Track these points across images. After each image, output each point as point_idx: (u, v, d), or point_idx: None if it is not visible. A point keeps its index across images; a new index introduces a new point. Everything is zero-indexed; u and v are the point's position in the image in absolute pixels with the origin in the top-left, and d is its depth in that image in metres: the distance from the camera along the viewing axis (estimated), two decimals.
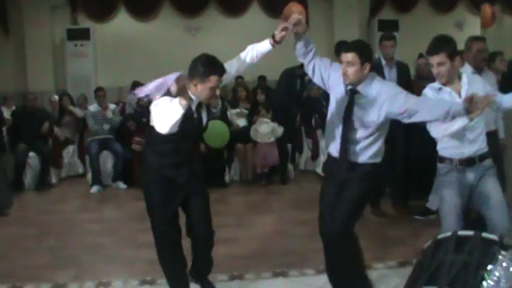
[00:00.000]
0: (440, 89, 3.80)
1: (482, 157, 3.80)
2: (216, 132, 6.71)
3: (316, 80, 3.90)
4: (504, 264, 2.29)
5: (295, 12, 3.83)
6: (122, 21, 12.72)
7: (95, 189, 8.24)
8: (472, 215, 4.48)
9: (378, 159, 3.79)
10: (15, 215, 6.85)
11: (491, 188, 3.77)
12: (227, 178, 8.34)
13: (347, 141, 3.70)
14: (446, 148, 3.84)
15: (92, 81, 12.17)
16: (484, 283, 2.27)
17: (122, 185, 8.40)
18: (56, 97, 9.84)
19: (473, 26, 13.00)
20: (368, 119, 3.64)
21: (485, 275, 2.28)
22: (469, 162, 3.78)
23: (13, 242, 5.86)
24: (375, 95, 3.62)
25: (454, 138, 3.74)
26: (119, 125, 8.84)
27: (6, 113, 9.26)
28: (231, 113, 8.85)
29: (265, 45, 3.84)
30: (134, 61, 12.42)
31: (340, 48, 5.63)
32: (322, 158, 8.37)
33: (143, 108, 8.64)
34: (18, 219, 6.75)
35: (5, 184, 7.05)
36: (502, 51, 6.27)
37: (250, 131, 8.35)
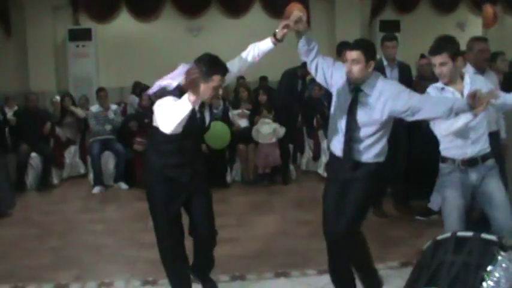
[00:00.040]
0: (443, 88, 3.80)
1: (484, 157, 3.80)
2: (217, 133, 6.71)
3: (319, 78, 3.90)
4: (504, 264, 2.30)
5: (296, 11, 3.83)
6: (124, 22, 12.73)
7: (96, 189, 8.25)
8: (475, 214, 4.48)
9: (382, 158, 3.79)
10: (17, 216, 6.86)
11: (495, 188, 3.77)
12: (229, 178, 8.34)
13: (350, 139, 3.70)
14: (449, 148, 3.84)
15: (93, 82, 12.18)
16: (484, 284, 2.28)
17: (123, 185, 8.40)
18: (58, 98, 9.85)
19: (474, 26, 12.99)
20: (371, 117, 3.64)
21: (485, 275, 2.28)
22: (471, 163, 3.78)
23: (15, 242, 5.87)
24: (378, 93, 3.62)
25: (457, 137, 3.74)
26: (120, 125, 8.85)
27: (9, 114, 9.27)
28: (233, 113, 8.86)
29: (266, 44, 3.84)
30: (136, 61, 12.43)
31: (342, 48, 5.66)
32: (324, 159, 8.37)
33: (145, 109, 8.66)
34: (20, 219, 6.76)
35: (8, 184, 7.05)
36: (503, 51, 6.28)
37: (251, 131, 8.35)
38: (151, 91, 3.55)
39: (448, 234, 2.57)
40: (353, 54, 3.60)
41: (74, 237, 6.06)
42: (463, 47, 4.40)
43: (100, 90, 9.15)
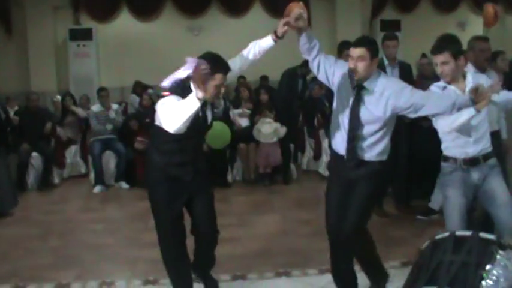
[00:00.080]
0: (445, 87, 3.80)
1: (486, 156, 3.80)
2: (217, 133, 6.70)
3: (321, 77, 3.90)
4: (502, 263, 2.30)
5: (296, 8, 3.82)
6: (124, 21, 12.73)
7: (97, 189, 8.26)
8: (477, 214, 4.48)
9: (385, 157, 3.79)
10: (17, 215, 6.86)
11: (497, 186, 3.77)
12: (229, 178, 8.33)
13: (354, 137, 3.70)
14: (451, 147, 3.84)
15: (94, 81, 12.18)
16: (483, 282, 2.28)
17: (124, 185, 8.41)
18: (59, 97, 9.84)
19: (475, 25, 12.97)
20: (374, 114, 3.64)
21: (484, 274, 2.28)
22: (473, 162, 3.78)
23: (16, 242, 5.88)
24: (380, 90, 3.63)
25: (460, 134, 3.73)
26: (121, 125, 8.85)
27: (10, 113, 9.26)
28: (234, 113, 8.86)
29: (267, 41, 3.85)
30: (136, 61, 12.43)
31: (343, 47, 5.66)
32: (325, 158, 8.38)
33: (145, 108, 8.67)
34: (20, 219, 6.76)
35: (10, 184, 7.04)
36: (503, 50, 6.27)
37: (252, 131, 8.35)
38: (165, 84, 3.53)
39: (446, 234, 2.58)
40: (358, 51, 3.60)
41: (75, 236, 6.06)
42: (463, 46, 4.40)
43: (101, 89, 9.16)
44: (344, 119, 3.75)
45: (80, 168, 9.29)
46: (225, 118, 8.23)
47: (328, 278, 4.15)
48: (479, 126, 3.77)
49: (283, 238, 5.72)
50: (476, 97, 3.37)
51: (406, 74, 6.07)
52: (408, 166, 6.30)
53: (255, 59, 3.88)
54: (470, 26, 13.34)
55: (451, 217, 3.76)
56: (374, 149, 3.73)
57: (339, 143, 3.82)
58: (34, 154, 8.44)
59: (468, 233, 2.52)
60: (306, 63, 8.56)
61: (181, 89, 3.52)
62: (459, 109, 3.45)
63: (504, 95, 3.77)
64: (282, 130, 8.29)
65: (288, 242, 5.57)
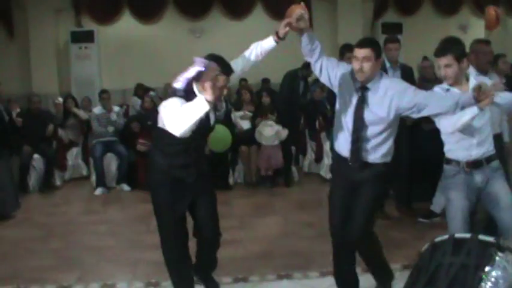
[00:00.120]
0: (448, 90, 3.80)
1: (489, 159, 3.80)
2: (218, 136, 6.71)
3: (323, 79, 3.90)
4: (501, 265, 2.31)
5: (298, 9, 3.83)
6: (126, 24, 12.74)
7: (99, 191, 8.26)
8: (480, 217, 4.47)
9: (389, 159, 3.81)
10: (19, 217, 6.87)
11: (500, 189, 3.77)
12: (231, 180, 8.33)
13: (358, 139, 3.70)
14: (454, 150, 3.83)
15: (96, 84, 12.18)
16: (483, 284, 2.29)
17: (126, 187, 8.41)
18: (60, 99, 9.83)
19: (477, 28, 13.00)
20: (378, 115, 3.65)
21: (483, 276, 2.29)
22: (476, 165, 3.77)
23: (17, 243, 5.88)
24: (384, 91, 3.64)
25: (463, 135, 3.72)
26: (123, 127, 8.86)
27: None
28: (235, 115, 8.86)
29: (269, 42, 3.86)
30: (138, 63, 12.44)
31: (345, 50, 5.66)
32: (326, 161, 8.37)
33: (147, 111, 8.67)
34: (22, 221, 6.77)
35: (12, 186, 7.04)
36: (505, 53, 6.28)
37: (254, 133, 8.35)
38: (178, 85, 3.53)
39: (446, 236, 2.58)
40: (363, 52, 3.62)
41: (76, 238, 6.06)
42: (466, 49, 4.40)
43: (103, 92, 9.17)
44: (347, 121, 3.75)
45: (81, 171, 9.30)
46: (227, 120, 8.23)
47: (330, 280, 4.15)
48: (483, 129, 3.76)
49: (285, 240, 5.72)
50: (479, 95, 3.37)
51: (407, 77, 6.06)
52: (410, 168, 6.30)
53: (256, 60, 3.89)
54: (472, 29, 13.33)
55: (453, 220, 3.75)
56: (378, 150, 3.74)
57: (342, 144, 3.82)
58: (36, 156, 8.44)
59: (467, 235, 2.53)
60: (306, 65, 8.58)
61: (184, 91, 3.53)
62: (462, 108, 3.46)
63: (507, 97, 3.77)
64: (284, 133, 8.29)
65: (289, 245, 5.57)
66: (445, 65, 3.72)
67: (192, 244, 3.99)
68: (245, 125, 8.69)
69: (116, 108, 9.08)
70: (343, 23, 12.72)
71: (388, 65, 5.96)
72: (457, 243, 2.47)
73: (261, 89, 10.68)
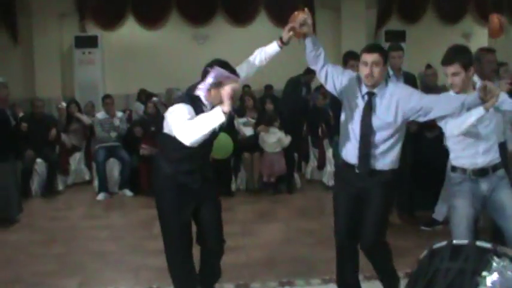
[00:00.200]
0: None
1: (495, 167, 3.80)
2: (219, 143, 6.71)
3: (329, 87, 3.90)
4: (498, 270, 2.31)
5: (301, 14, 3.84)
6: (130, 29, 12.80)
7: (101, 196, 8.26)
8: (486, 225, 4.47)
9: (397, 165, 3.81)
10: (21, 222, 6.87)
11: (506, 198, 3.76)
12: (233, 187, 8.33)
13: (366, 145, 3.70)
14: (460, 157, 3.83)
15: (99, 89, 12.23)
16: None
17: (128, 192, 8.41)
18: (64, 104, 9.89)
19: (480, 36, 13.00)
20: (385, 120, 3.66)
21: (480, 281, 2.29)
22: (482, 173, 3.77)
23: (19, 248, 5.89)
24: (390, 96, 3.66)
25: (469, 138, 3.72)
26: (126, 132, 8.87)
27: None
28: (238, 122, 8.87)
29: (273, 47, 3.88)
30: (142, 69, 12.49)
31: (349, 58, 5.68)
32: (329, 168, 8.37)
33: (150, 116, 8.68)
34: (24, 225, 6.77)
35: (16, 191, 7.03)
36: (506, 62, 6.28)
37: (256, 140, 8.34)
38: (201, 93, 3.54)
39: (444, 243, 2.59)
40: (373, 57, 3.63)
41: (79, 243, 6.06)
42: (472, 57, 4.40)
43: (106, 97, 9.18)
44: (355, 127, 3.75)
45: (84, 175, 9.30)
46: (230, 127, 8.23)
47: (332, 287, 4.14)
48: (489, 137, 3.76)
49: (287, 247, 5.72)
50: (485, 95, 3.37)
51: (410, 85, 6.04)
52: (412, 176, 6.30)
53: (261, 65, 3.90)
54: (475, 37, 13.36)
55: (458, 227, 3.74)
56: (387, 157, 3.74)
57: (350, 151, 3.81)
58: (38, 160, 8.45)
59: (465, 241, 2.54)
60: (308, 70, 8.62)
61: (190, 98, 3.54)
62: (468, 109, 3.47)
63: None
64: (287, 139, 8.29)
65: (291, 251, 5.57)
66: (452, 74, 3.71)
67: (196, 253, 3.98)
68: (248, 131, 8.69)
69: (119, 114, 9.09)
70: (346, 30, 12.76)
71: (391, 72, 5.97)
72: (455, 249, 2.48)
73: (264, 96, 10.70)
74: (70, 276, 4.98)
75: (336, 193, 4.00)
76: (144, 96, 11.16)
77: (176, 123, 3.41)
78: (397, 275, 4.15)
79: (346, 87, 3.81)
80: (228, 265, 4.50)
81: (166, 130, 3.64)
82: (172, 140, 3.43)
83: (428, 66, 6.82)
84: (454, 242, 2.55)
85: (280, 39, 3.83)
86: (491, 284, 2.27)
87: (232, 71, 3.54)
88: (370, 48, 3.72)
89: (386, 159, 3.74)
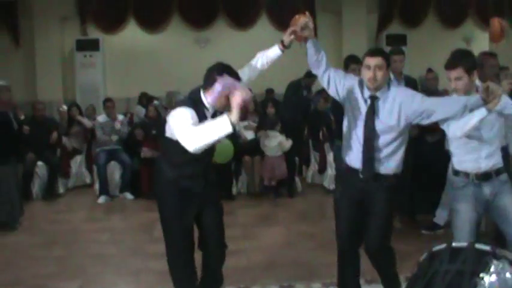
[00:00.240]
0: None
1: (498, 171, 3.80)
2: (219, 148, 6.72)
3: (332, 92, 3.91)
4: (496, 272, 2.32)
5: (302, 17, 3.85)
6: (131, 33, 12.82)
7: (102, 199, 8.26)
8: (488, 228, 4.46)
9: (400, 170, 3.81)
10: (22, 224, 6.86)
11: (509, 203, 3.76)
12: (234, 190, 8.33)
13: (370, 148, 3.70)
14: (463, 162, 3.82)
15: (100, 92, 12.26)
16: None
17: (129, 195, 8.40)
18: (65, 107, 9.90)
19: (481, 41, 13.00)
20: (388, 124, 3.66)
21: (479, 282, 2.30)
22: (485, 177, 3.77)
23: (20, 250, 5.89)
24: (392, 99, 3.66)
25: (471, 144, 3.71)
26: (127, 135, 8.87)
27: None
28: (239, 125, 8.86)
29: (274, 51, 3.89)
30: (143, 72, 12.51)
31: (350, 62, 5.68)
32: (330, 172, 8.37)
33: (151, 120, 8.69)
34: (25, 228, 6.77)
35: (18, 195, 7.02)
36: (507, 66, 6.28)
37: (257, 143, 8.34)
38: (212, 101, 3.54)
39: (443, 245, 2.59)
40: (376, 60, 3.63)
41: (79, 246, 6.06)
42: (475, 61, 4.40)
43: (107, 100, 9.19)
44: (358, 132, 3.75)
45: (85, 178, 9.31)
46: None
47: None
48: (492, 141, 3.75)
49: (288, 251, 5.71)
50: (487, 96, 3.37)
51: (411, 89, 6.08)
52: (413, 180, 6.29)
53: (262, 69, 3.91)
54: (476, 41, 13.36)
55: (461, 231, 3.74)
56: (390, 161, 3.74)
57: (354, 156, 3.81)
58: (39, 163, 8.45)
59: (464, 244, 2.54)
60: (308, 74, 8.62)
61: (192, 101, 3.53)
62: (471, 110, 3.46)
63: None
64: (288, 143, 8.28)
65: (292, 255, 5.56)
66: (455, 78, 3.70)
67: (198, 258, 3.96)
68: (249, 135, 8.68)
69: (120, 117, 9.09)
70: (347, 34, 12.78)
71: (392, 76, 5.97)
72: (454, 252, 2.48)
73: (266, 99, 10.70)
74: (70, 279, 4.98)
75: (339, 197, 4.00)
76: (145, 99, 11.17)
77: (179, 128, 3.38)
78: (398, 280, 4.14)
79: (348, 91, 3.81)
80: (229, 269, 4.50)
81: (168, 134, 3.61)
82: (175, 144, 3.41)
83: (429, 70, 6.82)
84: (454, 244, 2.56)
85: (282, 42, 3.85)
86: (489, 285, 2.28)
87: (235, 74, 3.54)
88: (373, 52, 3.72)
89: (390, 163, 3.74)
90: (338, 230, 3.91)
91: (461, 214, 3.79)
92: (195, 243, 3.92)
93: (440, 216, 6.07)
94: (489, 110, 3.41)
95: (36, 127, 8.47)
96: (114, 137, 8.74)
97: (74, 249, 5.96)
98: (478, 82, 4.33)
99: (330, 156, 8.32)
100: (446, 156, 4.00)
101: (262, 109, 9.15)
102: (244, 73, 3.78)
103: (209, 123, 3.29)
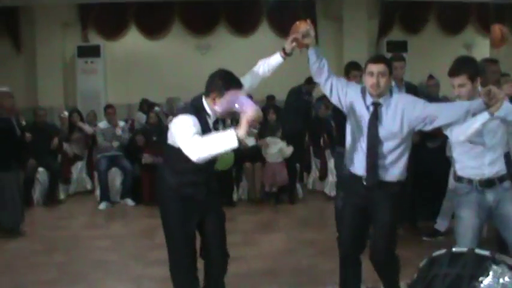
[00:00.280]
0: None
1: (501, 178, 3.79)
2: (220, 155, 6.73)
3: (334, 100, 3.91)
4: (496, 276, 2.32)
5: (304, 25, 3.86)
6: (132, 39, 12.85)
7: (103, 205, 8.26)
8: (490, 234, 4.44)
9: (404, 177, 3.81)
10: (23, 230, 6.84)
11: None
12: (235, 197, 8.33)
13: (373, 155, 3.70)
14: (466, 168, 3.82)
15: (101, 98, 12.28)
16: None
17: (130, 202, 8.40)
18: (66, 113, 9.90)
19: (482, 47, 13.03)
20: (391, 130, 3.66)
21: (478, 286, 2.31)
22: (489, 184, 3.77)
23: (21, 257, 5.88)
24: (395, 105, 3.67)
25: (474, 144, 3.71)
26: (128, 142, 8.88)
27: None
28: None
29: (276, 59, 3.91)
30: (144, 79, 12.52)
31: (350, 68, 5.69)
32: (331, 178, 8.36)
33: (152, 126, 8.69)
34: (26, 234, 6.75)
35: (19, 201, 7.01)
36: (508, 73, 6.29)
37: (258, 150, 8.34)
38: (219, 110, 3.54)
39: (443, 251, 2.60)
40: (379, 67, 3.64)
41: (80, 252, 6.06)
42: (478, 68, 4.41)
43: (108, 106, 9.20)
44: (361, 139, 3.76)
45: (85, 185, 9.30)
46: None
47: None
48: (495, 148, 3.75)
49: (289, 258, 5.70)
50: (489, 99, 3.36)
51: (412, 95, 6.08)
52: (414, 187, 6.29)
53: (264, 76, 3.92)
54: (477, 48, 13.38)
55: (464, 238, 3.73)
56: (394, 168, 3.73)
57: (358, 163, 3.81)
58: (40, 169, 8.46)
59: (464, 249, 2.55)
60: (309, 80, 8.63)
61: (194, 108, 3.53)
62: (473, 115, 3.46)
63: None
64: (289, 150, 8.29)
65: (293, 262, 5.55)
66: (458, 85, 3.70)
67: (200, 267, 3.94)
68: (250, 141, 8.67)
69: (121, 123, 9.10)
70: (348, 41, 12.79)
71: (393, 83, 5.97)
72: (454, 256, 2.50)
73: (267, 106, 10.70)
74: (71, 286, 4.98)
75: (342, 204, 4.00)
76: (146, 106, 11.18)
77: (182, 137, 3.36)
78: (399, 287, 4.14)
79: (350, 99, 3.82)
80: (230, 275, 4.48)
81: (170, 141, 3.59)
82: (177, 152, 3.39)
83: (431, 77, 6.83)
84: (454, 249, 2.57)
85: (283, 50, 3.86)
86: None
87: (237, 81, 3.54)
88: (376, 59, 3.73)
89: (394, 170, 3.74)
90: (340, 237, 3.92)
91: (464, 221, 3.78)
92: (197, 251, 3.91)
93: (442, 223, 6.06)
94: (491, 114, 3.41)
95: (37, 133, 8.44)
96: (115, 143, 8.74)
97: (75, 255, 5.95)
98: (480, 89, 4.33)
99: (331, 163, 8.30)
100: (447, 163, 4.00)
101: (263, 116, 9.14)
102: (246, 80, 3.78)
103: (215, 136, 3.27)
